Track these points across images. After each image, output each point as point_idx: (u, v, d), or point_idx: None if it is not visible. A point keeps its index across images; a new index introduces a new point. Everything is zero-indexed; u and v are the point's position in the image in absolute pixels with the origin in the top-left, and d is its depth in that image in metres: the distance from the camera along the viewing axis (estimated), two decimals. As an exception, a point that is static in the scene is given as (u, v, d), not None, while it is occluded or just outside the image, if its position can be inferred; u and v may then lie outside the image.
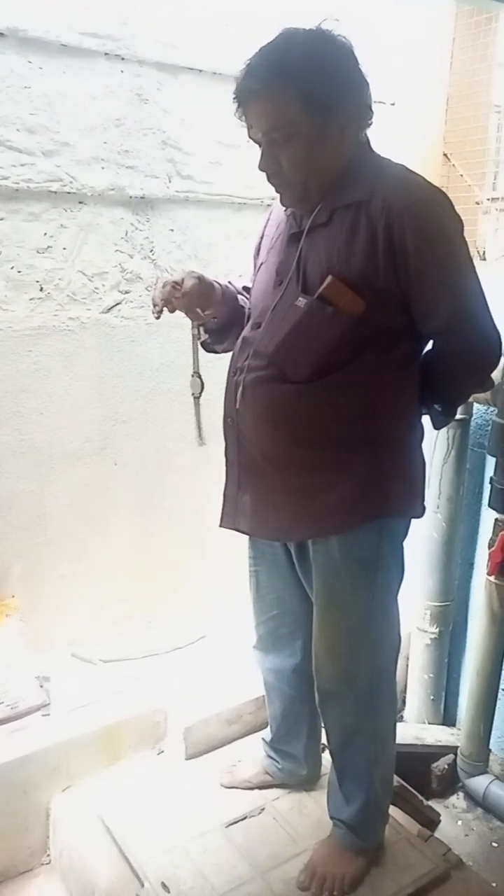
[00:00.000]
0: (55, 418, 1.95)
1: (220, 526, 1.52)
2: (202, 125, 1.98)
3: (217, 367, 1.48)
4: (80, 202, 1.87)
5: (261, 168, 1.29)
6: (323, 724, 1.66)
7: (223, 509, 1.51)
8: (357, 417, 1.33)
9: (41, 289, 1.86)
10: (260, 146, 1.28)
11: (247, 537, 1.59)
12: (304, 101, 1.19)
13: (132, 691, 1.92)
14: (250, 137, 1.29)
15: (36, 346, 1.89)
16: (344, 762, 1.57)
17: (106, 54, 1.81)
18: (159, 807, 1.71)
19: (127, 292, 2.00)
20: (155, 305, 1.40)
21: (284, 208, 1.40)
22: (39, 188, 1.80)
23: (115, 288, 1.98)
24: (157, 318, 1.42)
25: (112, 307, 1.99)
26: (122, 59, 1.84)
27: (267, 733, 1.81)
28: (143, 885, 1.51)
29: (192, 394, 1.45)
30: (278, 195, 1.36)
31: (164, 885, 1.50)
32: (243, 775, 1.80)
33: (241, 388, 1.37)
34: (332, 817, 1.61)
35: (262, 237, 1.51)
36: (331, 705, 1.55)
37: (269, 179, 1.31)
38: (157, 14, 1.86)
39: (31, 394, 1.90)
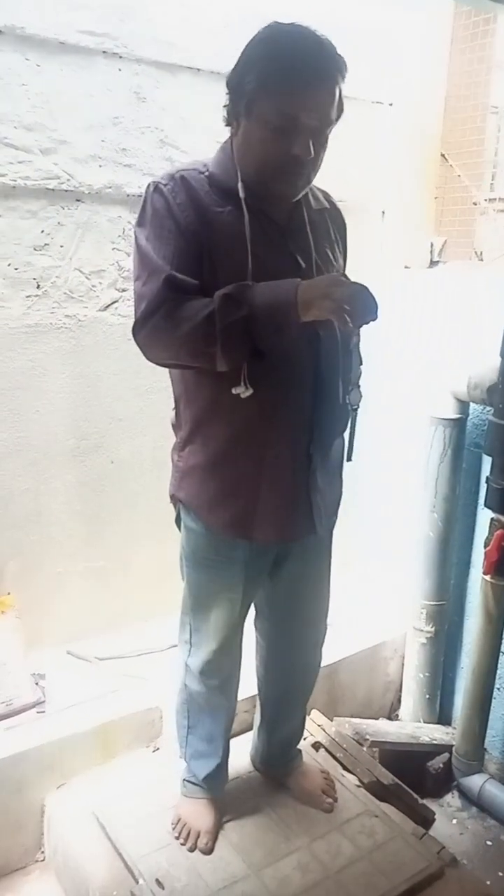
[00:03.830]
0: (51, 416, 1.95)
1: (299, 539, 1.48)
2: (200, 124, 1.98)
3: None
4: (78, 200, 1.87)
5: (305, 155, 1.23)
6: (291, 697, 1.75)
7: (297, 520, 1.43)
8: None
9: (38, 286, 1.86)
10: (287, 133, 1.21)
11: None
12: (338, 99, 1.25)
13: (127, 689, 1.92)
14: (285, 122, 1.20)
15: (33, 344, 1.89)
16: (299, 709, 1.78)
17: (104, 52, 1.82)
18: (154, 804, 1.71)
19: (124, 290, 1.99)
20: None
21: (243, 200, 1.28)
22: (37, 186, 1.80)
23: (113, 286, 1.98)
24: None
25: (109, 305, 1.99)
26: (121, 57, 1.84)
27: (207, 765, 1.66)
28: (137, 882, 1.51)
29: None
30: (284, 184, 1.28)
31: (158, 882, 1.51)
32: (206, 827, 1.64)
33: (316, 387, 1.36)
34: (287, 763, 1.80)
35: (212, 231, 1.27)
36: (312, 665, 1.72)
37: (292, 167, 1.25)
38: (156, 13, 1.86)
39: (27, 391, 1.90)
